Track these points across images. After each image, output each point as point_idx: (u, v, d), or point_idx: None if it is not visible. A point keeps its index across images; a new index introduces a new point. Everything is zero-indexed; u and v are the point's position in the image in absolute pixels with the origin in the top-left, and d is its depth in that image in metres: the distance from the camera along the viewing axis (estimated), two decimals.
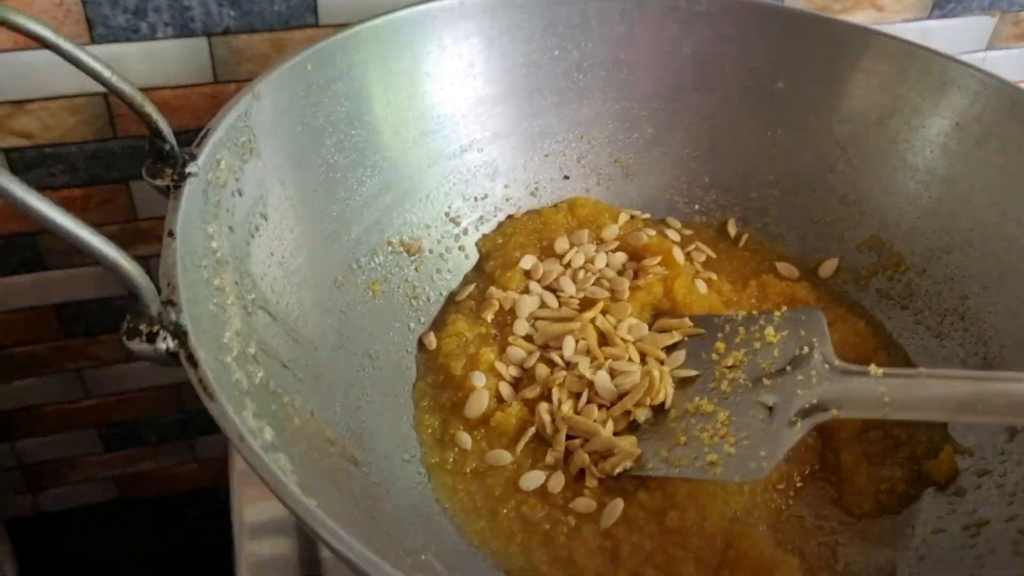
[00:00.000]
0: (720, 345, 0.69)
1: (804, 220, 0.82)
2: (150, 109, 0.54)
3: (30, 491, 1.10)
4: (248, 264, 0.58)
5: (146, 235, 0.90)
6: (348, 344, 0.66)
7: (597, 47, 0.81)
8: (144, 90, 0.79)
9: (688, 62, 0.82)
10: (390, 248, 0.73)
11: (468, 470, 0.63)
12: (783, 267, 0.80)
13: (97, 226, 0.89)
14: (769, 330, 0.68)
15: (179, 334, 0.44)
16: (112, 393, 1.03)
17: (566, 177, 0.84)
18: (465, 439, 0.64)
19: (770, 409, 0.62)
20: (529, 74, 0.79)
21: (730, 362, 0.67)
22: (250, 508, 0.71)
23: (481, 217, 0.80)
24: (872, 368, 0.60)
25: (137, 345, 0.43)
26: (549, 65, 0.80)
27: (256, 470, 0.39)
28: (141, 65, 0.79)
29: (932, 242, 0.76)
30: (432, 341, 0.71)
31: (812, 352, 0.64)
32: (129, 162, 0.85)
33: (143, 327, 0.44)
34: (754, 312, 0.72)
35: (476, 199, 0.80)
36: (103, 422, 1.06)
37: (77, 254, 0.89)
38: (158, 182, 0.54)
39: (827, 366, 0.63)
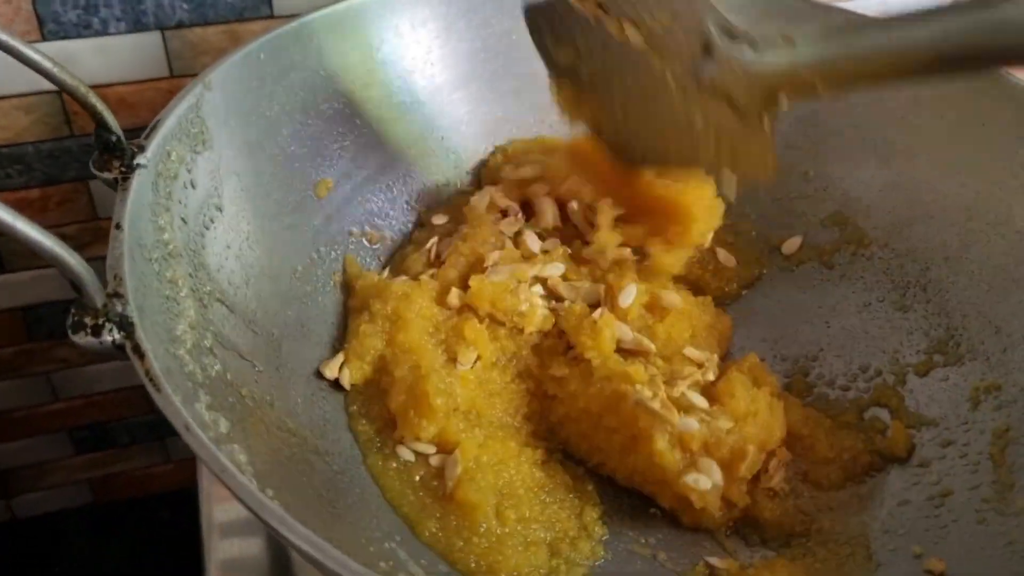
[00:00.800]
0: None
1: (765, 198, 0.81)
2: (94, 100, 0.53)
3: (2, 497, 1.09)
4: (203, 256, 0.57)
5: (107, 234, 0.88)
6: (309, 334, 0.66)
7: None
8: (99, 87, 0.80)
9: None
10: (351, 238, 0.73)
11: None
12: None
13: (56, 226, 0.88)
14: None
15: (125, 326, 0.43)
16: (81, 395, 1.02)
17: None
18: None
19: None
20: (488, 60, 0.79)
21: None
22: (219, 507, 0.71)
23: (444, 204, 0.79)
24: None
25: (82, 339, 0.43)
26: (507, 50, 0.79)
27: (204, 461, 0.39)
28: (95, 61, 0.78)
29: (894, 216, 0.76)
30: None
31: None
32: (87, 161, 0.83)
33: (88, 320, 0.43)
34: None
35: (438, 186, 0.79)
36: (73, 425, 1.05)
37: (39, 256, 0.88)
38: (106, 175, 0.53)
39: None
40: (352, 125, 0.73)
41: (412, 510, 0.58)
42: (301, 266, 0.67)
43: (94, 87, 0.78)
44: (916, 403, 0.68)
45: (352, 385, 0.64)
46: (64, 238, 0.89)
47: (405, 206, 0.77)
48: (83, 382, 1.01)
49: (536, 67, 0.80)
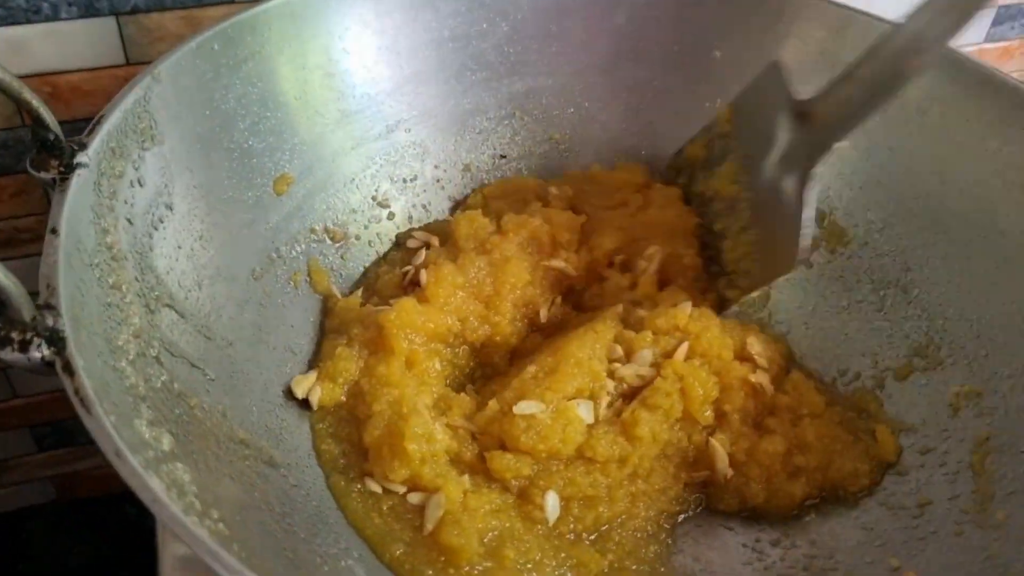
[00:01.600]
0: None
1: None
2: (28, 96, 0.50)
3: None
4: (151, 259, 0.54)
5: None
6: (268, 339, 0.63)
7: (527, 19, 0.78)
8: (50, 74, 0.76)
9: (622, 32, 0.79)
10: (313, 236, 0.70)
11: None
12: None
13: (10, 218, 0.85)
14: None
15: (55, 341, 0.41)
16: (41, 392, 0.99)
17: (502, 156, 0.81)
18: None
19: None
20: (457, 49, 0.76)
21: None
22: None
23: (411, 200, 0.77)
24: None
25: (8, 355, 0.40)
26: (477, 39, 0.76)
27: (133, 488, 0.36)
28: (46, 48, 0.74)
29: (875, 214, 0.74)
30: None
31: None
32: None
33: (15, 335, 0.40)
34: None
35: (405, 181, 0.76)
36: (34, 422, 1.02)
37: None
38: (43, 175, 0.50)
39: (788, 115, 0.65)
40: (314, 117, 0.70)
41: (376, 533, 0.56)
42: (259, 266, 0.65)
43: (45, 75, 0.76)
44: (896, 408, 0.67)
45: (321, 406, 0.62)
46: (18, 231, 0.86)
47: (371, 202, 0.74)
48: (44, 379, 0.97)
49: (505, 57, 0.78)
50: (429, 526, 0.55)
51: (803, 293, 0.75)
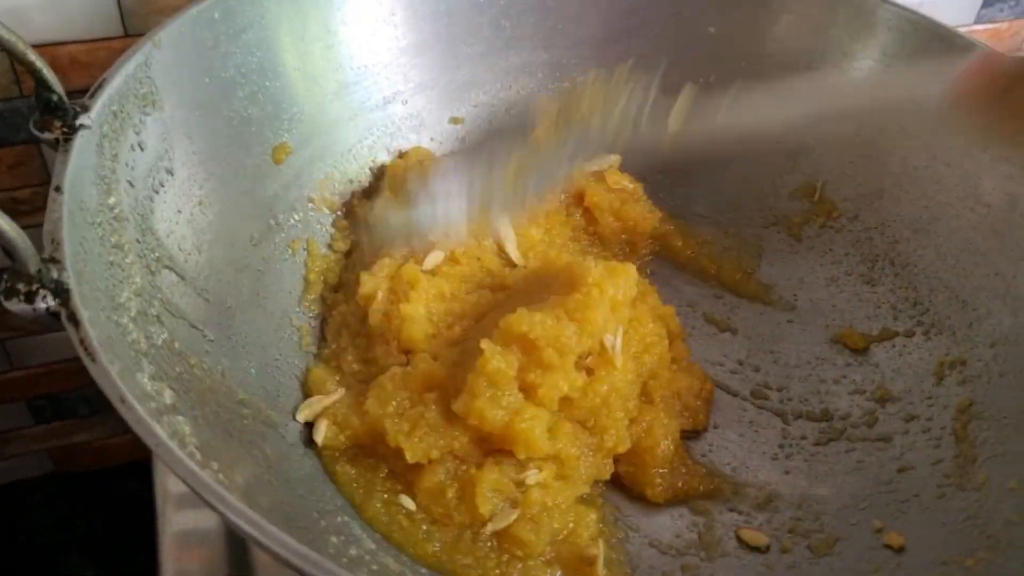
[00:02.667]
0: None
1: (735, 169, 0.80)
2: (33, 57, 0.51)
3: None
4: (152, 221, 0.55)
5: None
6: (265, 303, 0.64)
7: None
8: (49, 45, 0.77)
9: (616, 7, 0.80)
10: (311, 205, 0.71)
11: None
12: None
13: (8, 190, 0.85)
14: None
15: (60, 292, 0.42)
16: (38, 364, 1.00)
17: (495, 130, 0.82)
18: None
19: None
20: (453, 22, 0.77)
21: None
22: (174, 479, 0.69)
23: None
24: None
25: (15, 305, 0.41)
26: (473, 13, 0.77)
27: (139, 434, 0.38)
28: (45, 18, 0.75)
29: (864, 187, 0.75)
30: None
31: None
32: None
33: (21, 286, 0.41)
34: None
35: (402, 151, 0.77)
36: (31, 394, 1.03)
37: None
38: (46, 135, 0.51)
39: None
40: (312, 87, 0.71)
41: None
42: (258, 233, 0.66)
43: (44, 46, 0.76)
44: (881, 376, 0.68)
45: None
46: (16, 202, 0.86)
47: (368, 172, 0.75)
48: (40, 350, 0.98)
49: (501, 31, 0.79)
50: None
51: (792, 265, 0.77)
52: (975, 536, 0.53)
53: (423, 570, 0.54)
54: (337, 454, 0.59)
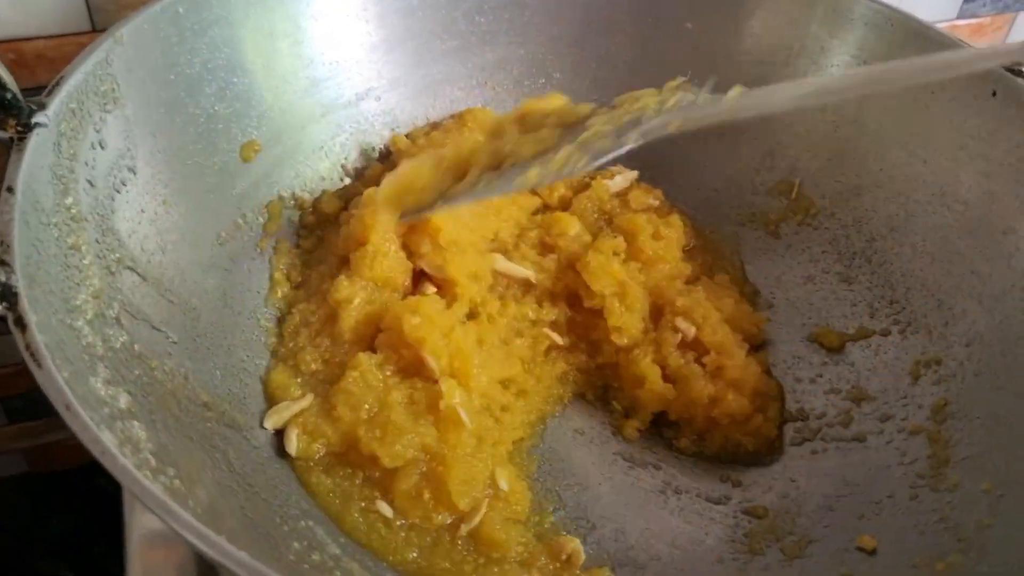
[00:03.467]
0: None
1: (713, 167, 0.80)
2: None
3: None
4: (113, 221, 0.54)
5: None
6: (232, 304, 0.63)
7: None
8: (15, 41, 0.75)
9: (593, 3, 0.79)
10: (281, 203, 0.70)
11: None
12: None
13: None
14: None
15: (8, 296, 0.41)
16: (11, 364, 0.98)
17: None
18: None
19: (618, 134, 0.58)
20: (426, 16, 0.76)
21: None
22: None
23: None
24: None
25: None
26: (447, 7, 0.76)
27: (83, 442, 0.37)
28: (12, 14, 0.74)
29: (841, 185, 0.74)
30: None
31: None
32: None
33: None
34: None
35: (375, 150, 0.76)
36: (5, 394, 1.01)
37: None
38: (0, 134, 0.49)
39: (686, 97, 0.58)
40: (282, 84, 0.70)
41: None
42: (225, 231, 0.65)
43: (10, 41, 0.75)
44: (857, 375, 0.67)
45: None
46: None
47: (340, 170, 0.74)
48: (14, 350, 0.97)
49: (475, 26, 0.78)
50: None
51: (770, 263, 0.76)
52: (947, 539, 0.52)
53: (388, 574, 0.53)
54: (311, 464, 0.58)
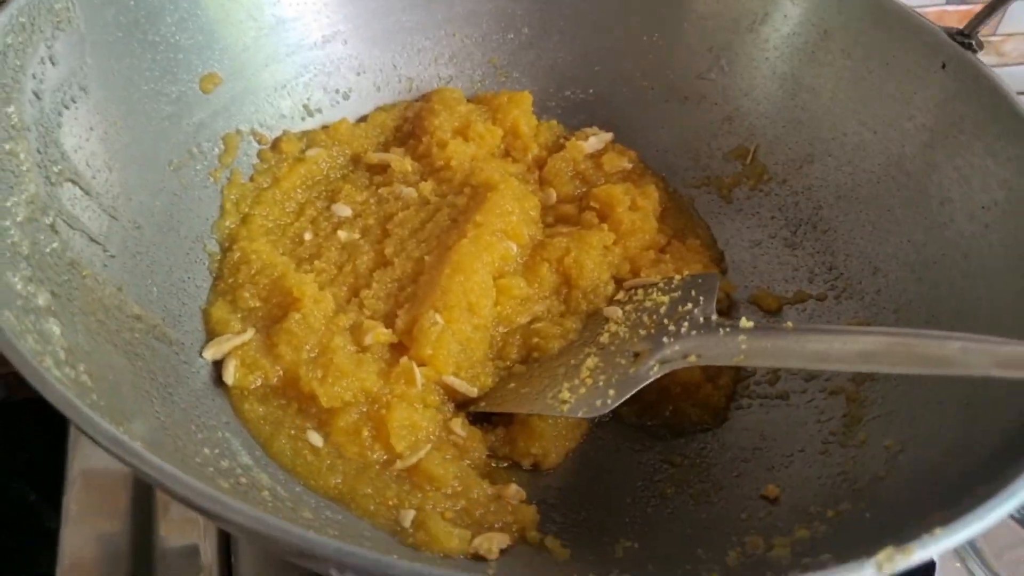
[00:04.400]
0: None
1: (672, 130, 0.80)
2: None
3: None
4: (58, 135, 0.56)
5: None
6: (179, 228, 0.65)
7: None
8: None
9: None
10: (239, 136, 0.71)
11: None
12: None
13: None
14: (658, 295, 0.67)
15: None
16: None
17: (440, 78, 0.82)
18: None
19: (636, 356, 0.62)
20: None
21: (618, 317, 0.67)
22: None
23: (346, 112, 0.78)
24: (743, 321, 0.59)
25: None
26: None
27: None
28: None
29: (795, 152, 0.75)
30: None
31: (694, 309, 0.63)
32: None
33: None
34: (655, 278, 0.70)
35: (339, 92, 0.78)
36: None
37: None
38: None
39: (702, 319, 0.62)
40: (247, 19, 0.71)
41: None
42: (178, 158, 0.66)
43: None
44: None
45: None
46: None
47: (301, 110, 0.76)
48: None
49: None
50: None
51: (719, 227, 0.77)
52: (843, 489, 0.54)
53: (297, 487, 0.55)
54: (246, 392, 0.60)
